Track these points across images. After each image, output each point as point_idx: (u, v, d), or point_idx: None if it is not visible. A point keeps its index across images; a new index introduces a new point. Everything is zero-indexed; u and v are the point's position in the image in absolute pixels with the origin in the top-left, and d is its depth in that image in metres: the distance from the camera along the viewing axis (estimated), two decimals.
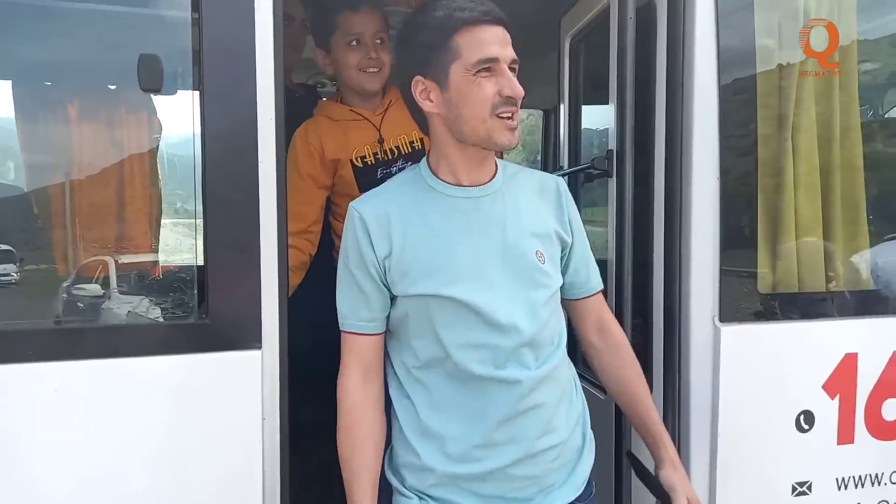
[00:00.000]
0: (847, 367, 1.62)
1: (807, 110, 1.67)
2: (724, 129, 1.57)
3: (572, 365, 1.29)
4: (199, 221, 1.30)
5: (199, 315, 1.32)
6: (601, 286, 1.32)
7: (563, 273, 1.26)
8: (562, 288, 1.25)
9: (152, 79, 1.33)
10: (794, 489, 1.61)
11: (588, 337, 1.32)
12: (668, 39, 1.59)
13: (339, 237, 1.56)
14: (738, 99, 1.63)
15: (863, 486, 1.66)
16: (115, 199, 1.46)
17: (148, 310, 1.42)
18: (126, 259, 1.47)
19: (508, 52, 1.11)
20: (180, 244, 1.57)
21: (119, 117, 1.52)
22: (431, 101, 1.14)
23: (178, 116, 1.43)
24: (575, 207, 1.28)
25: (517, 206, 1.20)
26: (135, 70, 1.31)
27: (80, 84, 1.50)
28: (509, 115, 1.10)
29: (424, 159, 1.23)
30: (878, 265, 1.80)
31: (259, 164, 1.29)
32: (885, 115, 2.01)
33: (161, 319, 1.40)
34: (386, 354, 1.23)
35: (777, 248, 1.68)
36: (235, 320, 1.28)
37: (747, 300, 1.64)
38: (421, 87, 1.14)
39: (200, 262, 1.31)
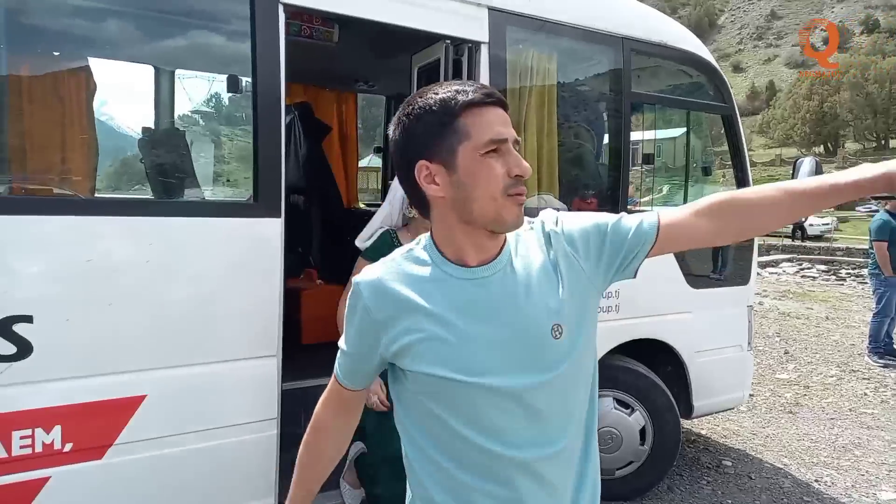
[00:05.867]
0: None
1: (530, 121, 3.26)
2: None
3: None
4: None
5: None
6: (654, 221, 1.18)
7: (619, 262, 1.18)
8: (636, 252, 1.18)
9: None
10: None
11: (706, 233, 1.17)
12: (466, 78, 3.03)
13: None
14: None
15: None
16: None
17: None
18: None
19: (512, 132, 1.10)
20: None
21: None
22: (437, 185, 1.11)
23: None
24: (570, 219, 1.21)
25: (529, 275, 1.15)
26: None
27: None
28: (519, 193, 1.09)
29: (429, 239, 1.19)
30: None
31: None
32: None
33: None
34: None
35: None
36: None
37: None
38: (425, 172, 1.11)
39: None
